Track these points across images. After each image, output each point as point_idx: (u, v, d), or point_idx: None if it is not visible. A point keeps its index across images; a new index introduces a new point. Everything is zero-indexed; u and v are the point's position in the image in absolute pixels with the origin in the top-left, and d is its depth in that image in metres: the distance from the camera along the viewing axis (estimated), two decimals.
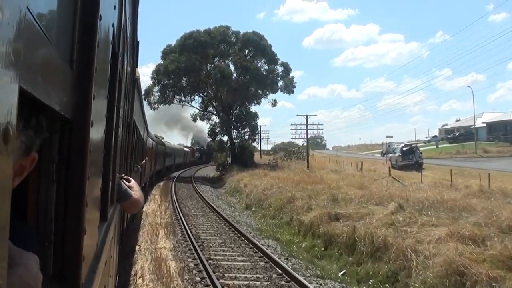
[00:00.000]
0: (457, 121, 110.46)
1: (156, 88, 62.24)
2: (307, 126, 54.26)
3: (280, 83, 59.66)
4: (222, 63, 57.87)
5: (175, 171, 65.22)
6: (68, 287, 1.11)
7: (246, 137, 61.59)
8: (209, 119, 65.57)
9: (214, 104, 62.47)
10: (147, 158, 10.97)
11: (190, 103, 65.31)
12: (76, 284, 1.19)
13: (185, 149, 70.15)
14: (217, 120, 63.28)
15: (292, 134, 58.69)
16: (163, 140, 46.75)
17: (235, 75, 59.41)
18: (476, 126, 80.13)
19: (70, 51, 1.17)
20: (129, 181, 2.51)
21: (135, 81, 6.06)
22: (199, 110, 66.32)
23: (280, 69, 59.69)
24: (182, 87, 60.49)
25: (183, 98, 64.69)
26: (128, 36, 3.11)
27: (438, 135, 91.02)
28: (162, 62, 57.35)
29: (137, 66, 5.78)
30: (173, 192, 30.45)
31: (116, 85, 2.07)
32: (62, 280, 1.22)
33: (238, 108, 61.31)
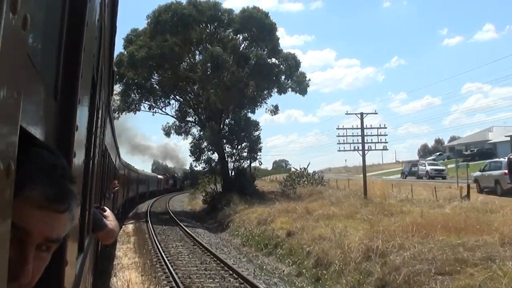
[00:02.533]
0: (451, 139, 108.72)
1: (116, 87, 41.29)
2: (362, 132, 34.67)
3: (286, 80, 44.58)
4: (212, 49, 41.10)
5: (149, 199, 61.68)
6: None
7: (244, 154, 45.23)
8: (187, 133, 49.54)
9: (198, 110, 46.95)
10: (118, 185, 10.65)
11: (163, 109, 48.01)
12: None
13: (159, 176, 68.92)
14: (201, 133, 47.15)
15: (339, 143, 36.60)
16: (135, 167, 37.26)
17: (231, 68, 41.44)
18: (494, 141, 72.94)
19: (54, 82, 1.49)
20: (104, 211, 2.44)
21: (109, 109, 5.90)
22: (176, 119, 49.83)
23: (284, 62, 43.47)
24: (152, 88, 45.28)
25: (153, 104, 47.85)
26: (105, 64, 3.08)
27: (443, 152, 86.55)
28: (125, 52, 41.88)
29: (112, 95, 5.67)
30: (159, 248, 22.84)
31: (94, 115, 2.03)
32: None
33: (231, 114, 45.74)
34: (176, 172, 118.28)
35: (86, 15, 1.61)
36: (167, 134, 49.76)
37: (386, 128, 35.31)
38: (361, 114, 35.63)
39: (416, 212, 19.48)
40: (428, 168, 52.31)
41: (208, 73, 39.89)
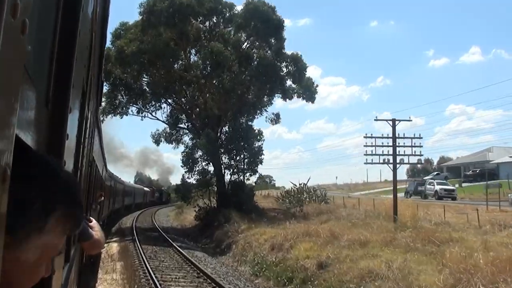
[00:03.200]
0: (441, 160, 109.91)
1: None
2: (394, 141, 27.99)
3: (293, 84, 39.47)
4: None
5: (135, 211, 60.91)
6: None
7: (243, 166, 40.37)
8: (178, 141, 45.05)
9: (192, 116, 41.92)
10: (104, 196, 10.56)
11: (153, 114, 43.39)
12: None
13: (145, 188, 68.41)
14: (195, 141, 41.91)
15: (366, 155, 29.37)
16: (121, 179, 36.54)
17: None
18: (497, 162, 69.68)
19: (46, 89, 1.10)
20: (90, 221, 2.44)
21: (97, 119, 5.88)
22: (167, 125, 44.89)
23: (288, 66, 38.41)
24: (142, 90, 40.48)
25: (142, 108, 43.09)
26: (94, 74, 3.08)
27: (440, 172, 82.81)
28: (112, 48, 37.05)
29: (100, 105, 5.63)
30: (156, 284, 17.04)
31: (83, 124, 2.03)
32: None
33: (230, 122, 40.75)
34: (162, 185, 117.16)
35: (79, 24, 1.62)
36: (157, 142, 45.38)
37: (421, 138, 29.90)
38: (393, 120, 29.57)
39: (472, 241, 16.82)
40: (438, 187, 49.25)
41: (207, 73, 36.36)
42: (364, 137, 28.70)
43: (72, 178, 1.18)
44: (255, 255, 21.69)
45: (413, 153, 28.68)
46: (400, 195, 54.96)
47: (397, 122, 28.71)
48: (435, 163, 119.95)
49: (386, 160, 29.13)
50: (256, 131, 40.26)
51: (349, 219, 25.80)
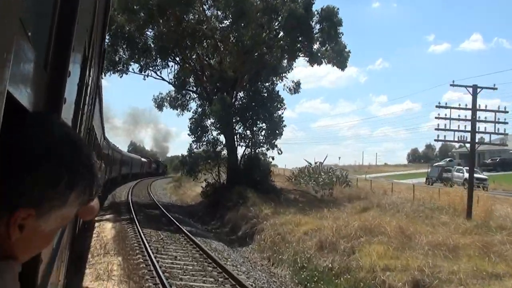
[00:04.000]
0: (443, 147, 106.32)
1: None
2: (474, 113, 22.20)
3: (321, 47, 33.48)
4: None
5: (131, 180, 60.68)
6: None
7: (261, 137, 35.45)
8: (183, 107, 40.23)
9: (203, 78, 36.72)
10: (102, 164, 10.69)
11: (159, 73, 38.25)
12: (34, 285, 1.57)
13: (143, 159, 68.77)
14: (205, 108, 36.62)
15: (438, 129, 23.30)
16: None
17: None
18: None
19: (46, 52, 1.49)
20: None
21: (98, 87, 5.87)
22: (173, 86, 39.39)
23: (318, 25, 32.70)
24: (146, 46, 35.12)
25: (146, 65, 37.07)
26: (97, 41, 3.05)
27: (454, 159, 77.63)
28: None
29: (101, 73, 5.62)
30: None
31: (83, 90, 2.02)
32: (21, 281, 1.15)
33: (247, 87, 35.87)
34: (158, 157, 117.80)
35: None
36: (159, 106, 40.85)
37: (507, 112, 22.88)
38: (474, 87, 22.43)
39: None
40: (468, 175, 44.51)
41: (227, 24, 32.49)
42: (437, 106, 23.13)
43: (91, 152, 1.26)
44: (296, 254, 17.21)
45: (496, 131, 22.72)
46: (418, 180, 51.90)
47: (479, 90, 22.42)
48: (437, 149, 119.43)
49: (461, 137, 22.99)
50: (279, 97, 35.83)
51: (396, 209, 22.60)
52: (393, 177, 57.57)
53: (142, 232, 20.33)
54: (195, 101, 38.76)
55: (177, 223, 24.13)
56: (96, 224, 21.09)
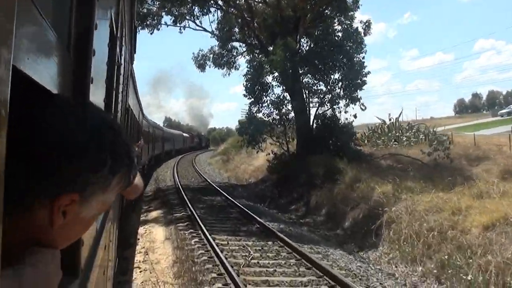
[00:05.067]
0: (490, 95, 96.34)
1: None
2: None
3: None
4: None
5: (175, 156, 48.03)
6: (67, 272, 1.27)
7: (338, 90, 29.55)
8: (230, 64, 34.61)
9: (253, 25, 31.28)
10: (142, 141, 10.78)
11: (198, 21, 32.97)
12: (75, 269, 1.52)
13: (185, 134, 70.70)
14: (258, 61, 30.79)
15: None
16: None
17: None
18: None
19: (67, 33, 1.49)
20: None
21: (132, 66, 5.96)
22: (216, 38, 34.03)
23: None
24: None
25: (182, 14, 32.12)
26: (126, 19, 3.00)
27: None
28: None
29: (135, 52, 5.67)
30: None
31: (114, 70, 1.98)
32: (61, 264, 1.13)
33: (313, 27, 30.33)
34: (200, 130, 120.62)
35: None
36: (201, 66, 35.23)
37: None
38: None
39: None
40: None
41: None
42: None
43: (128, 137, 1.31)
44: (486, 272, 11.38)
45: None
46: (498, 130, 45.71)
47: None
48: (484, 98, 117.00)
49: None
50: (358, 35, 30.28)
51: None
52: (460, 130, 50.22)
53: (215, 244, 13.87)
54: (244, 56, 34.04)
55: (255, 216, 18.53)
56: (142, 230, 16.97)
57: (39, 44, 0.96)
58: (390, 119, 35.68)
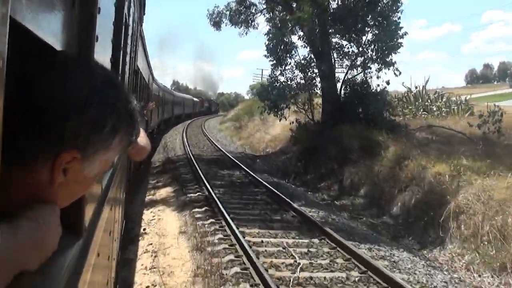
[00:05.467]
0: (501, 66, 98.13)
1: None
2: None
3: None
4: None
5: (184, 121, 48.60)
6: (70, 230, 1.32)
7: (370, 53, 26.53)
8: (248, 23, 31.60)
9: None
10: (153, 104, 10.73)
11: None
12: (79, 227, 1.50)
13: (195, 99, 71.79)
14: (281, 19, 28.35)
15: None
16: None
17: None
18: None
19: None
20: None
21: (141, 28, 5.96)
22: None
23: None
24: None
25: None
26: None
27: None
28: None
29: (144, 14, 5.64)
30: None
31: (122, 29, 1.98)
32: (64, 223, 1.13)
33: None
34: (209, 95, 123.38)
35: None
36: (216, 24, 32.16)
37: None
38: None
39: None
40: None
41: None
42: None
43: (131, 96, 1.29)
44: None
45: None
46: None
47: None
48: (495, 69, 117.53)
49: None
50: None
51: None
52: (479, 100, 44.49)
53: (247, 245, 10.35)
54: (264, 14, 30.98)
55: (288, 200, 15.11)
56: (149, 215, 14.22)
57: (43, 0, 0.96)
58: (416, 87, 32.62)
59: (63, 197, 1.15)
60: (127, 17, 3.27)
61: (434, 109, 28.40)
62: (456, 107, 28.22)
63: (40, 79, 1.04)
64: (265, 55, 28.14)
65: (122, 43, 3.03)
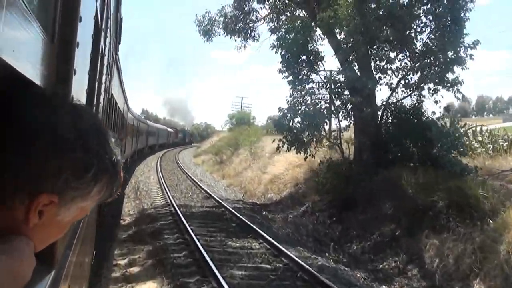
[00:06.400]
0: (479, 99, 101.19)
1: None
2: None
3: None
4: None
5: (158, 151, 48.64)
6: (43, 262, 1.03)
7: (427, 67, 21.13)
8: (248, 34, 24.94)
9: None
10: (127, 134, 10.61)
11: None
12: (52, 259, 1.50)
13: (169, 129, 71.14)
14: (289, 26, 22.08)
15: None
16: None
17: None
18: None
19: (52, 23, 1.93)
20: None
21: (117, 57, 5.94)
22: None
23: None
24: None
25: None
26: (111, 12, 3.01)
27: None
28: None
29: (119, 43, 5.65)
30: None
31: (98, 61, 2.03)
32: (37, 255, 1.09)
33: None
34: (183, 125, 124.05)
35: None
36: (206, 34, 26.17)
37: None
38: None
39: None
40: None
41: None
42: None
43: (116, 147, 1.25)
44: None
45: None
46: None
47: None
48: (473, 103, 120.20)
49: None
50: None
51: None
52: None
53: None
54: (267, 22, 24.96)
55: None
56: None
57: (24, 36, 0.99)
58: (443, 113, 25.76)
59: (37, 239, 1.10)
60: (103, 48, 3.47)
61: (476, 145, 21.94)
62: (505, 143, 21.59)
63: (23, 116, 1.00)
64: (280, 70, 21.40)
65: (98, 74, 3.27)
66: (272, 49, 21.20)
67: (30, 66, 1.05)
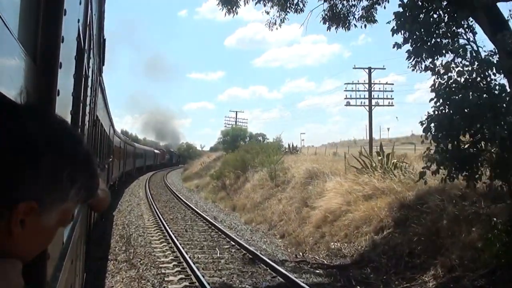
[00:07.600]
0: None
1: None
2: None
3: None
4: None
5: (146, 173, 49.14)
6: (32, 285, 1.03)
7: None
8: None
9: None
10: (114, 157, 10.75)
11: None
12: (41, 283, 1.50)
13: (156, 151, 71.12)
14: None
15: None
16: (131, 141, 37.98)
17: None
18: None
19: (34, 45, 1.11)
20: None
21: (101, 78, 5.99)
22: None
23: None
24: None
25: None
26: (94, 33, 3.04)
27: None
28: None
29: (103, 64, 5.68)
30: None
31: (82, 82, 2.05)
32: (26, 279, 1.11)
33: None
34: (172, 147, 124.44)
35: None
36: (227, 2, 18.77)
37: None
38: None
39: None
40: None
41: None
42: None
43: (90, 149, 1.34)
44: None
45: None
46: None
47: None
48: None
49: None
50: None
51: None
52: None
53: None
54: None
55: None
56: None
57: (6, 57, 1.00)
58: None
59: (25, 249, 1.13)
60: (86, 69, 3.43)
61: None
62: None
63: None
64: (394, 30, 12.57)
65: (82, 95, 3.33)
66: None
67: (12, 87, 1.05)
